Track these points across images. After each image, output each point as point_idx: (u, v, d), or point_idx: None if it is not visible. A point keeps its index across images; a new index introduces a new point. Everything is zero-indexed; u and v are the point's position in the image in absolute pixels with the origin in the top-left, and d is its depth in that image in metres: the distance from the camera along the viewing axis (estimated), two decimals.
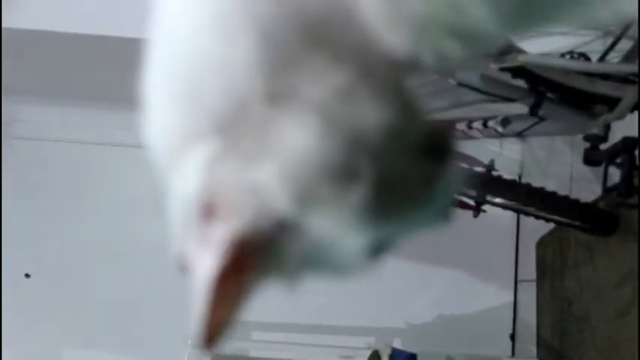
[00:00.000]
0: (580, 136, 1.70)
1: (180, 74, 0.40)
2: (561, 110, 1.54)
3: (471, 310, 2.58)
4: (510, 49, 1.40)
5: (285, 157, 0.38)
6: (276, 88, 0.38)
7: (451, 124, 1.62)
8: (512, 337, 2.55)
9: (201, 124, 0.39)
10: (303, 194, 0.38)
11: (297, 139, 0.37)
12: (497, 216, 2.11)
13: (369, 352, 2.10)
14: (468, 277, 2.59)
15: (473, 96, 1.55)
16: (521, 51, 1.41)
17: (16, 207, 2.59)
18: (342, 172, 0.38)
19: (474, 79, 1.49)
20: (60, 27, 2.20)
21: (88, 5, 2.19)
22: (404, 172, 0.40)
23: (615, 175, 1.77)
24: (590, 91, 1.48)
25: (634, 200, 1.84)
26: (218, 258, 0.38)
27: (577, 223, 2.00)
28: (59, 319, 2.59)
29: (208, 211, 0.39)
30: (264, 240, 0.39)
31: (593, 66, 1.54)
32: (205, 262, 0.39)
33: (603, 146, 1.71)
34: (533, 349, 2.49)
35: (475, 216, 1.94)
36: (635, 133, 1.68)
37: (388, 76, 0.39)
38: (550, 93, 1.52)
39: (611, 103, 1.48)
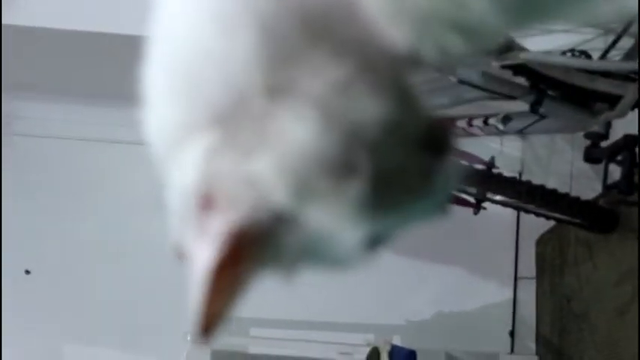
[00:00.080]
0: (581, 134, 1.70)
1: (180, 68, 0.41)
2: (562, 108, 1.54)
3: (471, 307, 2.58)
4: (512, 47, 1.40)
5: (284, 149, 0.38)
6: (276, 81, 0.38)
7: (451, 120, 1.62)
8: (512, 334, 2.55)
9: (201, 116, 0.39)
10: (300, 187, 0.38)
11: (296, 133, 0.37)
12: (498, 213, 2.11)
13: (368, 349, 2.10)
14: (468, 274, 2.59)
15: (474, 93, 1.55)
16: (522, 49, 1.41)
17: (16, 204, 2.58)
18: (339, 165, 0.38)
19: (474, 76, 1.49)
20: (60, 24, 2.20)
21: (89, 2, 2.19)
22: (402, 166, 0.40)
23: (616, 172, 1.77)
24: (591, 89, 1.48)
25: (634, 198, 1.84)
26: (215, 249, 0.38)
27: (577, 220, 2.00)
28: (59, 316, 2.59)
29: (206, 202, 0.39)
30: (261, 232, 0.39)
31: (595, 64, 1.54)
32: (203, 253, 0.39)
33: (604, 144, 1.71)
34: (533, 346, 2.50)
35: (475, 213, 1.94)
36: (636, 131, 1.68)
37: (389, 70, 0.39)
38: (551, 90, 1.52)
39: (612, 100, 1.48)
